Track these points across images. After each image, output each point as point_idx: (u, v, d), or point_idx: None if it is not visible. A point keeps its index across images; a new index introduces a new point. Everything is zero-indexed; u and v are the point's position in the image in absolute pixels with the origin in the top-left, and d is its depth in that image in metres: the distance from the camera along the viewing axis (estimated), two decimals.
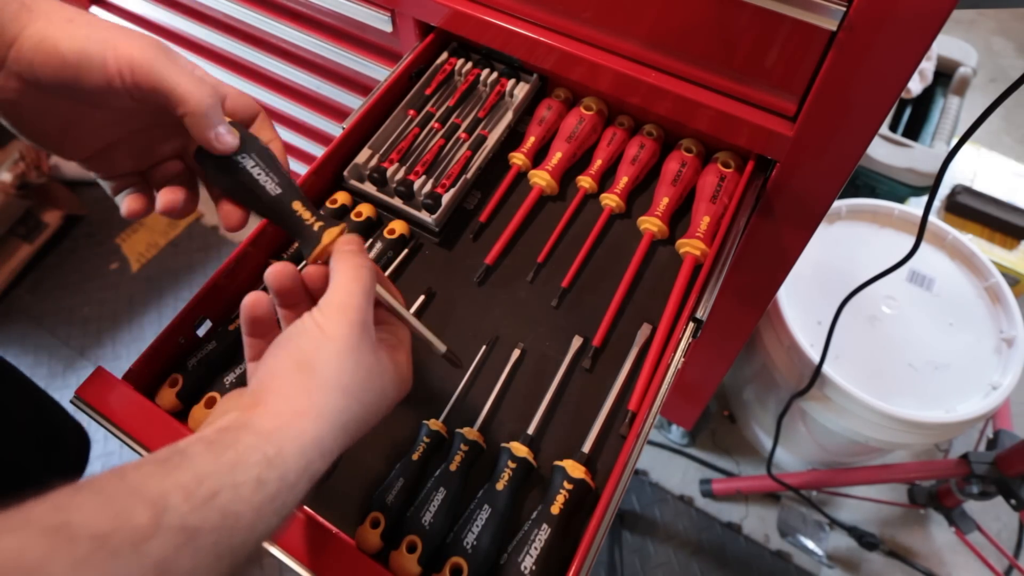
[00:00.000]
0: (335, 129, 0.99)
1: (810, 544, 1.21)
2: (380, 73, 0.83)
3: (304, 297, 0.39)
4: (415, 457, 0.48)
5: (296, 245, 0.59)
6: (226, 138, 0.37)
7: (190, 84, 0.35)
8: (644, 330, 0.55)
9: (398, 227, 0.60)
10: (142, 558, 0.24)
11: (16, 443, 0.74)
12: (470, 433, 0.49)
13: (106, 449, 1.32)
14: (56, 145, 0.38)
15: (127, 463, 0.27)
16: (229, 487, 0.27)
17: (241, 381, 0.50)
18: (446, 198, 0.60)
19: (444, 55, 0.71)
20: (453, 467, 0.48)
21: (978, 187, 1.38)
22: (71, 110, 0.37)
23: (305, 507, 0.47)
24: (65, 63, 0.33)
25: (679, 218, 0.63)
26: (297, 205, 0.39)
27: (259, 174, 0.39)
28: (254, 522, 0.27)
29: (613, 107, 0.69)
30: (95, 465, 0.89)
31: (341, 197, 0.61)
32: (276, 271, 0.37)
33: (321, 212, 0.40)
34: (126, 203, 0.41)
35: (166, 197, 0.40)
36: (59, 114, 0.37)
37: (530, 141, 0.66)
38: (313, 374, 0.32)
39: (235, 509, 0.27)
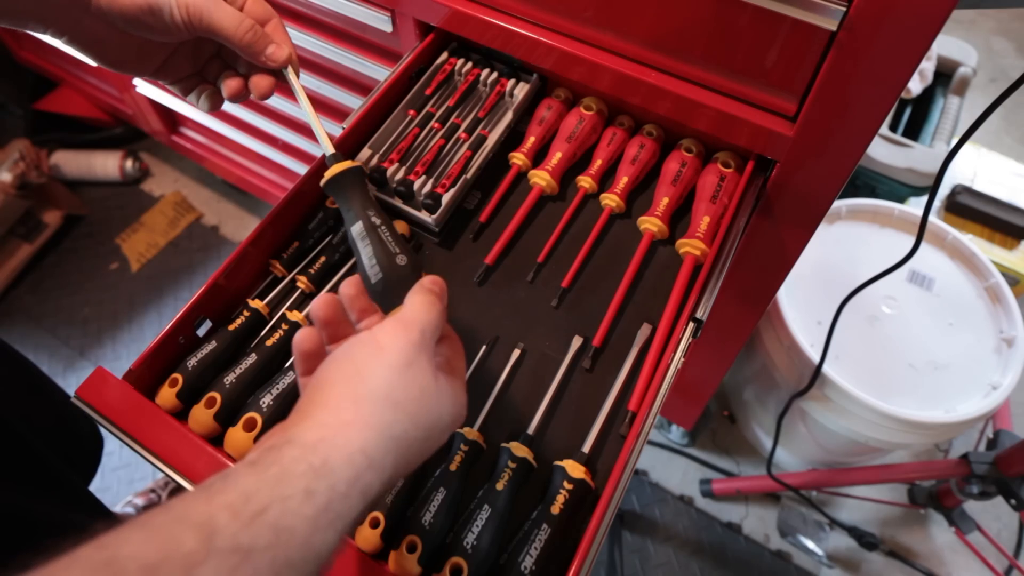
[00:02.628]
0: (335, 129, 0.99)
1: (810, 544, 1.21)
2: (380, 73, 0.83)
3: (351, 330, 0.40)
4: None
5: (296, 245, 0.59)
6: (274, 56, 0.47)
7: (233, 24, 0.44)
8: (644, 330, 0.55)
9: (398, 227, 0.60)
10: None
11: (39, 438, 0.74)
12: (470, 433, 0.49)
13: (106, 449, 1.31)
14: (132, 68, 0.47)
15: (172, 498, 0.26)
16: (277, 501, 0.26)
17: (241, 380, 0.50)
18: (446, 198, 0.60)
19: (444, 55, 0.71)
20: (453, 467, 0.48)
21: (978, 187, 1.38)
22: (143, 41, 0.45)
23: None
24: (139, 10, 0.42)
25: (679, 218, 0.63)
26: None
27: (389, 239, 0.42)
28: (309, 535, 0.26)
29: (613, 107, 0.69)
30: None
31: None
32: (323, 301, 0.39)
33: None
34: (206, 101, 0.49)
35: (231, 85, 0.49)
36: (134, 44, 0.45)
37: (530, 141, 0.66)
38: (362, 383, 0.32)
39: (287, 523, 0.26)
